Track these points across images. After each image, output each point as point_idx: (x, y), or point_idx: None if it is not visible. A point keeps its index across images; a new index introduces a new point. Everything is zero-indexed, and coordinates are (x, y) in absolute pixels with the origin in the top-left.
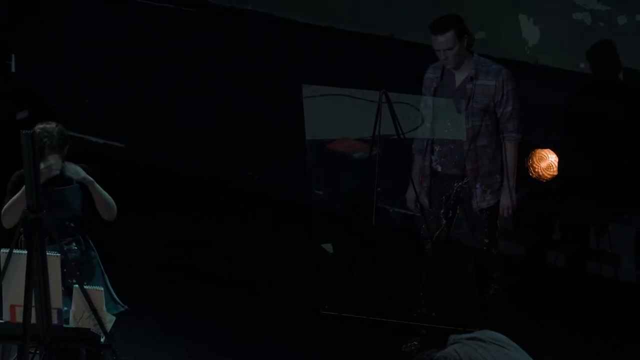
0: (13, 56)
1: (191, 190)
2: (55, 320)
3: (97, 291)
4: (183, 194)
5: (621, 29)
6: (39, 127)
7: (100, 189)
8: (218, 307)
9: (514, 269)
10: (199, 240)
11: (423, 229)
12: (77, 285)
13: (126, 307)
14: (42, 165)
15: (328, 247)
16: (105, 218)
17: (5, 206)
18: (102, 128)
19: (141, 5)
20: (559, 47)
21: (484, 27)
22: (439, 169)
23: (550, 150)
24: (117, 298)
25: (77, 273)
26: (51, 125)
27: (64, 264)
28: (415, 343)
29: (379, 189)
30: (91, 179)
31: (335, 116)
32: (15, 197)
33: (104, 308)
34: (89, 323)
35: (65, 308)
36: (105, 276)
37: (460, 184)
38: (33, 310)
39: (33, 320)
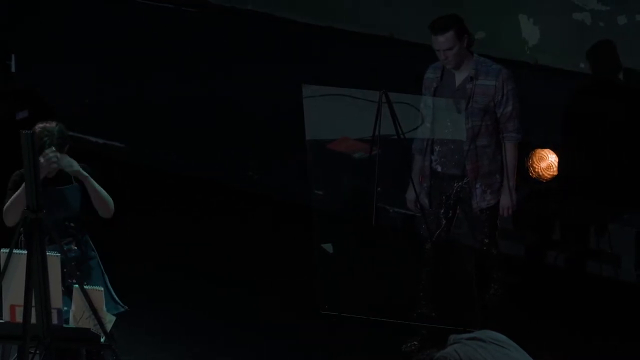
0: (13, 56)
1: (191, 190)
2: (55, 320)
3: (97, 291)
4: (183, 194)
5: (621, 29)
6: (39, 126)
7: (95, 184)
8: (218, 307)
9: (514, 269)
10: (199, 240)
11: (423, 229)
12: (77, 285)
13: (126, 307)
14: (41, 160)
15: (328, 247)
16: (102, 215)
17: (7, 204)
18: (102, 128)
19: (141, 5)
20: (559, 47)
21: (484, 27)
22: (439, 169)
23: (550, 150)
24: (117, 298)
25: (77, 273)
26: (51, 125)
27: (64, 264)
28: (415, 343)
29: (379, 189)
30: (85, 173)
31: (335, 116)
32: (16, 194)
33: (104, 308)
34: (89, 323)
35: (65, 308)
36: (105, 276)
37: (460, 184)
38: (33, 310)
39: (33, 320)
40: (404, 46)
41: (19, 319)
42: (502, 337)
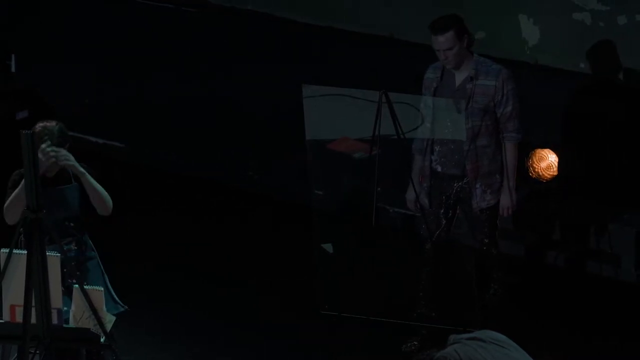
0: (13, 56)
1: (191, 190)
2: (55, 320)
3: (97, 291)
4: (183, 194)
5: (621, 29)
6: (39, 126)
7: (93, 181)
8: (218, 307)
9: (514, 269)
10: (199, 240)
11: (423, 229)
12: (77, 285)
13: (126, 307)
14: (39, 156)
15: (328, 247)
16: (100, 213)
17: (7, 202)
18: (102, 128)
19: (141, 5)
20: (559, 47)
21: (484, 27)
22: (439, 169)
23: (550, 150)
24: (117, 298)
25: (77, 273)
26: (51, 124)
27: (64, 264)
28: (415, 343)
29: (379, 189)
30: (82, 170)
31: (335, 116)
32: (15, 191)
33: (104, 308)
34: (89, 323)
35: (65, 308)
36: (105, 276)
37: (460, 184)
38: (33, 310)
39: (33, 320)
40: (404, 46)
41: (19, 319)
42: (502, 337)
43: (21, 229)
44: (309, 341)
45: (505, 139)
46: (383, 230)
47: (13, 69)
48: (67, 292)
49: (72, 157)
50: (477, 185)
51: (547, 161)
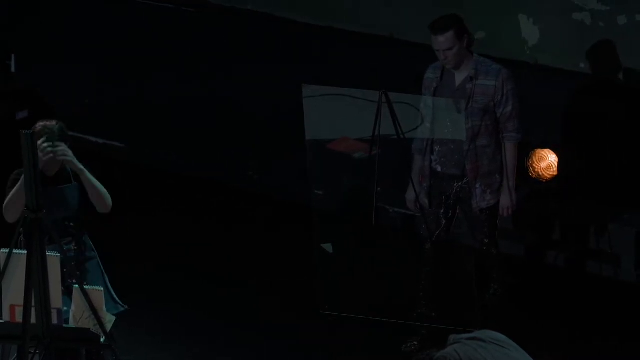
0: (13, 56)
1: (191, 190)
2: (55, 320)
3: (97, 291)
4: (183, 194)
5: (621, 29)
6: (39, 125)
7: (92, 178)
8: (218, 307)
9: (514, 269)
10: (199, 240)
11: (423, 229)
12: (77, 285)
13: (126, 307)
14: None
15: (328, 247)
16: (99, 210)
17: (6, 200)
18: (102, 128)
19: (141, 5)
20: (559, 47)
21: (484, 27)
22: (439, 169)
23: (550, 150)
24: (117, 298)
25: (77, 273)
26: (52, 123)
27: (64, 264)
28: (415, 343)
29: (379, 189)
30: (81, 166)
31: (335, 116)
32: (15, 189)
33: (104, 308)
34: (89, 323)
35: (65, 308)
36: (105, 276)
37: (460, 184)
38: (33, 310)
39: (33, 320)
40: (404, 46)
41: (19, 319)
42: (502, 337)
43: (21, 229)
44: (309, 341)
45: (505, 139)
46: (383, 230)
47: (13, 69)
48: (67, 292)
49: (70, 153)
50: (477, 185)
51: (547, 161)
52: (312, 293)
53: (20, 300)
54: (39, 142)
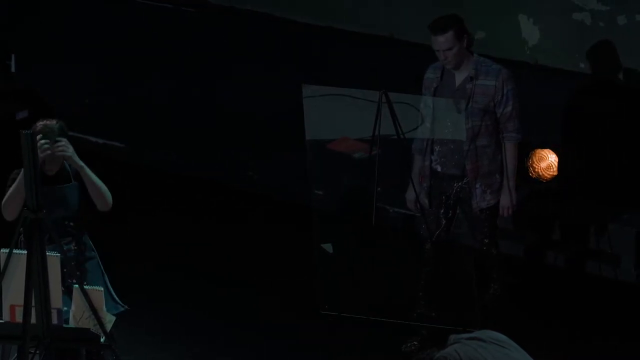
0: (13, 56)
1: (191, 190)
2: (55, 320)
3: (97, 291)
4: (183, 194)
5: (621, 29)
6: (40, 124)
7: (92, 175)
8: (218, 307)
9: (514, 269)
10: (199, 240)
11: (423, 229)
12: (77, 285)
13: (126, 307)
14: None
15: (328, 247)
16: (100, 208)
17: (5, 198)
18: (102, 128)
19: (141, 5)
20: (559, 47)
21: (484, 27)
22: (439, 169)
23: (550, 150)
24: (117, 298)
25: (77, 273)
26: (52, 122)
27: (63, 264)
28: (415, 343)
29: (379, 189)
30: (81, 163)
31: (335, 116)
32: (13, 187)
33: (104, 308)
34: (89, 323)
35: (65, 308)
36: (105, 276)
37: (460, 184)
38: (33, 310)
39: (33, 320)
40: (404, 46)
41: (19, 319)
42: (502, 337)
43: (21, 229)
44: (309, 341)
45: (505, 139)
46: (383, 230)
47: (13, 69)
48: (67, 292)
49: (71, 149)
50: (477, 185)
51: (547, 161)
52: (312, 293)
53: (20, 300)
54: (39, 139)
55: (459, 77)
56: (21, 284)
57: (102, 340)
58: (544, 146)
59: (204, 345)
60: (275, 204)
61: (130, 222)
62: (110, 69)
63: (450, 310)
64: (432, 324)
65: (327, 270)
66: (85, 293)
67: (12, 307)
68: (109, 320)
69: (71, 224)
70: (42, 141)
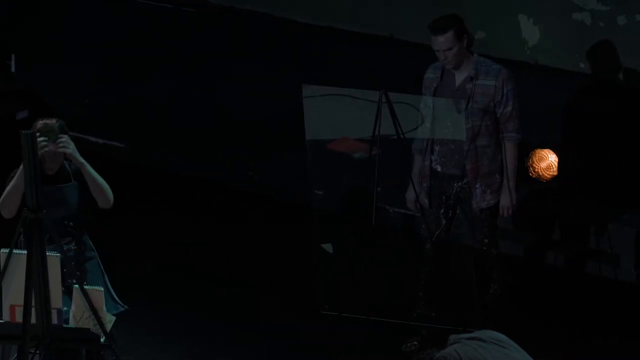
0: (13, 56)
1: (191, 190)
2: (55, 320)
3: (97, 291)
4: (183, 194)
5: (621, 29)
6: (40, 123)
7: (93, 171)
8: (218, 307)
9: (514, 269)
10: (199, 240)
11: (423, 229)
12: (77, 285)
13: (126, 307)
14: None
15: (328, 247)
16: (101, 206)
17: (3, 196)
18: (102, 128)
19: (141, 5)
20: (559, 47)
21: (484, 27)
22: (439, 169)
23: (550, 150)
24: (117, 298)
25: (77, 273)
26: (52, 121)
27: (64, 264)
28: (415, 343)
29: (379, 189)
30: (82, 160)
31: (335, 116)
32: (11, 184)
33: (104, 308)
34: (89, 323)
35: (65, 308)
36: (105, 276)
37: (460, 184)
38: (33, 310)
39: (33, 320)
40: (404, 46)
41: (19, 319)
42: (502, 337)
43: (21, 229)
44: (309, 341)
45: (505, 139)
46: (383, 230)
47: (13, 69)
48: (67, 292)
49: (72, 146)
50: (477, 185)
51: (547, 161)
52: (312, 293)
53: (20, 300)
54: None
55: (459, 77)
56: (21, 284)
57: (102, 340)
58: (544, 146)
59: (204, 345)
60: (275, 204)
61: (130, 222)
62: (110, 69)
63: (450, 310)
64: (432, 324)
65: (327, 270)
66: (85, 293)
67: (12, 307)
68: (109, 320)
69: (71, 223)
70: (41, 138)
